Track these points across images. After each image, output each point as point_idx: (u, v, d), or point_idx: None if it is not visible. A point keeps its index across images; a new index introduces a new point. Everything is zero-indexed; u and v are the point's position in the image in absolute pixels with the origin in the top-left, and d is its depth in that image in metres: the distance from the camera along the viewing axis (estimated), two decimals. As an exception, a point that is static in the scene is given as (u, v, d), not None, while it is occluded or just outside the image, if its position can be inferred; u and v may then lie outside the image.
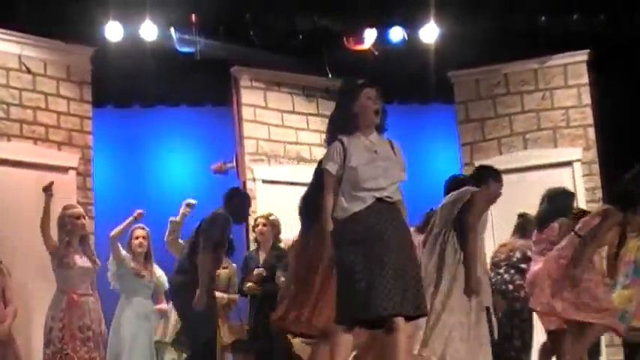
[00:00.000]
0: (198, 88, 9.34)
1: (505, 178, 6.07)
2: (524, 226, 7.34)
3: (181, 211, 7.50)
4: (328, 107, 8.86)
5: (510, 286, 7.11)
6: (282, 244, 7.30)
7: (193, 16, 8.45)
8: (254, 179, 8.75)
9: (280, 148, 9.09)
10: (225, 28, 8.66)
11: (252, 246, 7.67)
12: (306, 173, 8.80)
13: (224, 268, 7.27)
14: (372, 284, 4.41)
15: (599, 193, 8.77)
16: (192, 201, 7.53)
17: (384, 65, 8.82)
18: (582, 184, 8.76)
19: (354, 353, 5.64)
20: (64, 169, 8.19)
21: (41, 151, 8.11)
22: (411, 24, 8.94)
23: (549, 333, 6.82)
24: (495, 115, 9.28)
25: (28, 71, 8.15)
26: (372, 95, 4.72)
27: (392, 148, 4.76)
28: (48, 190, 6.81)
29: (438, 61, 8.90)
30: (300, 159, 9.14)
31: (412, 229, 6.57)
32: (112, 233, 7.36)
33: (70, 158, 8.26)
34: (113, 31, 8.30)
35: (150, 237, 7.52)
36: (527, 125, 9.19)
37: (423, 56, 8.88)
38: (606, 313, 6.10)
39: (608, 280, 6.49)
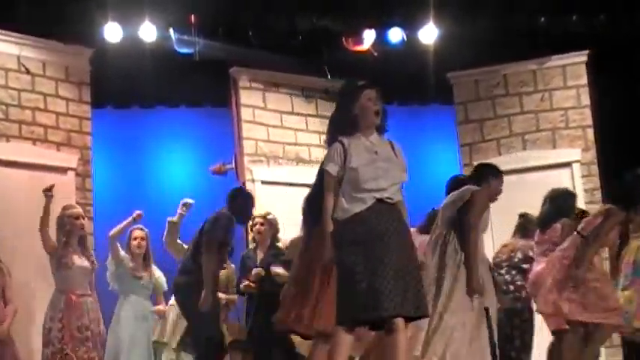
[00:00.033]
0: (197, 88, 9.34)
1: (504, 179, 6.06)
2: (525, 226, 7.35)
3: (178, 211, 7.49)
4: (327, 108, 8.88)
5: (511, 287, 7.11)
6: (280, 244, 7.29)
7: (192, 16, 8.45)
8: (253, 180, 8.74)
9: (279, 148, 9.09)
10: (224, 29, 8.65)
11: (252, 246, 7.66)
12: (305, 174, 8.89)
13: (222, 268, 7.26)
14: (372, 285, 4.41)
15: (598, 194, 8.77)
16: (189, 200, 7.52)
17: (384, 66, 8.82)
18: (581, 185, 8.76)
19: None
20: (62, 170, 8.19)
21: (40, 152, 8.10)
22: (411, 25, 8.94)
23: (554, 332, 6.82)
24: (494, 115, 9.29)
25: (27, 72, 8.14)
26: (373, 96, 4.72)
27: (392, 149, 4.76)
28: (48, 191, 6.81)
29: (437, 61, 8.90)
30: (299, 160, 9.14)
31: (413, 230, 6.61)
32: (111, 233, 7.37)
33: (69, 159, 8.26)
34: (112, 32, 8.30)
35: (149, 238, 7.51)
36: (526, 126, 9.19)
37: (422, 57, 8.88)
38: (613, 312, 6.11)
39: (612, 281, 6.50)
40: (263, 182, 8.80)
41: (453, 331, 5.54)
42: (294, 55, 8.95)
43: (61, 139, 8.27)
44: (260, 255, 7.26)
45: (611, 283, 6.33)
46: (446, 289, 5.61)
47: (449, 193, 5.99)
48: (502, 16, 8.86)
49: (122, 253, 7.39)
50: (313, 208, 5.17)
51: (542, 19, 8.86)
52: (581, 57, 9.03)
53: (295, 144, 9.19)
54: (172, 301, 7.51)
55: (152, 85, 8.92)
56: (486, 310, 5.68)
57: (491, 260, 6.84)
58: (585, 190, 8.78)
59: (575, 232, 6.34)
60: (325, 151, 4.94)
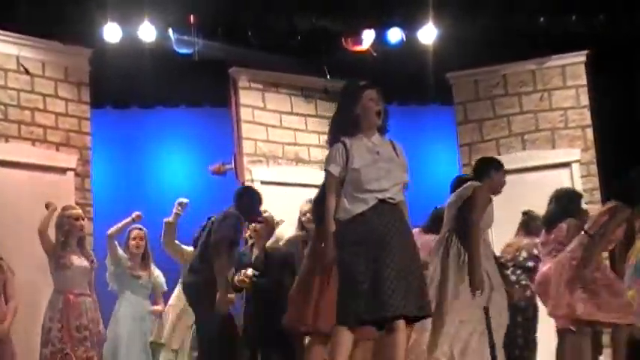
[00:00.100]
0: (196, 89, 9.33)
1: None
2: (528, 223, 7.36)
3: (174, 211, 7.45)
4: (327, 108, 8.89)
5: (516, 287, 7.10)
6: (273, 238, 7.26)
7: (192, 17, 8.43)
8: (252, 180, 8.73)
9: (279, 149, 9.08)
10: (224, 29, 8.64)
11: (250, 243, 7.64)
12: (304, 174, 8.92)
13: (233, 267, 7.24)
14: (374, 285, 4.42)
15: (597, 194, 8.77)
16: (184, 200, 7.49)
17: (383, 66, 8.81)
18: (580, 185, 8.75)
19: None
20: (62, 170, 8.19)
21: (39, 152, 8.09)
22: (410, 25, 8.93)
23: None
24: (494, 115, 9.29)
25: (26, 72, 8.13)
26: (374, 96, 4.73)
27: (394, 148, 4.77)
28: (50, 205, 6.84)
29: (437, 62, 8.89)
30: (298, 160, 9.14)
31: (417, 230, 6.63)
32: (109, 232, 7.38)
33: (68, 159, 8.25)
34: (111, 32, 8.28)
35: (147, 237, 7.53)
36: (525, 126, 9.19)
37: (422, 57, 8.87)
38: (627, 311, 6.10)
39: None
40: (262, 182, 8.78)
41: (458, 330, 5.55)
42: (294, 56, 8.94)
43: (60, 140, 8.26)
44: (256, 253, 7.24)
45: (621, 281, 6.31)
46: (450, 289, 5.61)
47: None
48: (501, 16, 8.85)
49: (120, 252, 7.40)
50: (319, 209, 5.19)
51: (542, 19, 8.85)
52: (581, 57, 9.03)
53: (295, 144, 9.19)
54: (171, 301, 7.51)
55: (151, 86, 8.92)
56: (486, 310, 5.68)
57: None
58: (584, 190, 8.76)
59: (583, 232, 6.32)
60: (325, 152, 4.94)
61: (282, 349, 6.55)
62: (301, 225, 6.97)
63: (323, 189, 5.30)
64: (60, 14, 8.11)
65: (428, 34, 8.86)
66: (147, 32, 8.34)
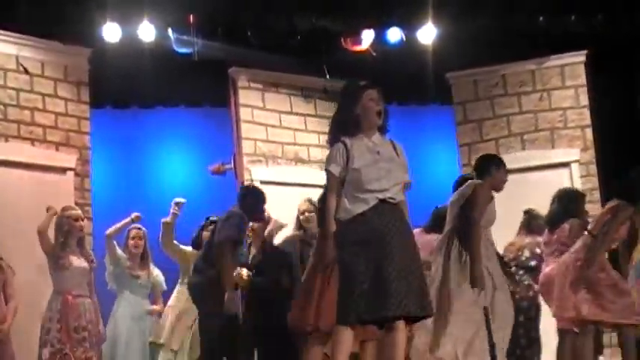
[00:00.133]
0: (196, 88, 9.33)
1: (503, 179, 6.07)
2: (529, 221, 7.36)
3: (171, 211, 7.44)
4: (326, 108, 8.89)
5: (518, 287, 7.09)
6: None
7: (191, 16, 8.43)
8: (252, 180, 8.72)
9: (278, 148, 9.08)
10: (223, 29, 8.64)
11: (249, 241, 7.64)
12: (303, 174, 8.91)
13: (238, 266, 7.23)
14: (375, 285, 4.43)
15: (596, 194, 8.77)
16: (181, 200, 7.48)
17: (383, 66, 8.81)
18: (580, 185, 8.74)
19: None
20: (61, 170, 8.19)
21: (39, 152, 8.09)
22: (409, 25, 8.92)
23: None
24: (493, 115, 9.29)
25: (26, 72, 8.13)
26: (375, 96, 4.74)
27: (394, 149, 4.77)
28: (51, 209, 6.84)
29: (436, 62, 8.89)
30: (298, 160, 9.14)
31: (419, 230, 6.63)
32: (108, 232, 7.38)
33: (67, 159, 8.25)
34: (111, 32, 8.28)
35: (146, 237, 7.53)
36: (525, 126, 9.19)
37: (421, 57, 8.87)
38: (632, 311, 6.09)
39: None
40: (262, 182, 8.77)
41: (461, 330, 5.55)
42: (293, 55, 8.94)
43: (59, 139, 8.26)
44: (253, 252, 7.24)
45: (625, 281, 6.30)
46: (452, 289, 5.62)
47: None
48: (501, 16, 8.85)
49: (119, 252, 7.41)
50: (323, 208, 5.20)
51: (542, 19, 8.86)
52: (580, 57, 9.03)
53: (294, 144, 9.19)
54: (171, 302, 7.50)
55: (151, 85, 8.91)
56: (485, 309, 5.68)
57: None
58: (584, 190, 8.77)
59: (586, 233, 6.31)
60: (325, 151, 4.95)
61: (279, 347, 6.56)
62: (299, 224, 6.97)
63: (325, 189, 5.32)
64: (59, 14, 8.10)
65: (427, 34, 8.86)
66: (146, 32, 8.33)
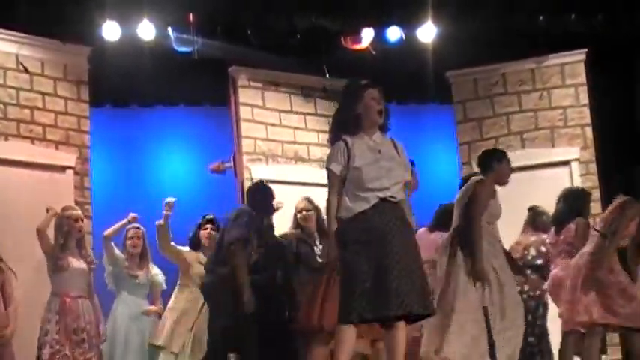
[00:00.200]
0: (195, 87, 9.32)
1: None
2: (534, 219, 7.35)
3: (164, 212, 7.39)
4: (326, 107, 8.90)
5: (526, 287, 7.09)
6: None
7: (191, 15, 8.42)
8: (251, 179, 8.71)
9: (278, 147, 9.08)
10: (223, 28, 8.63)
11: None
12: (303, 173, 8.91)
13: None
14: (377, 284, 4.44)
15: (596, 193, 8.75)
16: (171, 199, 7.42)
17: (382, 65, 8.80)
18: (580, 184, 8.74)
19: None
20: (61, 169, 8.18)
21: (39, 151, 8.09)
22: (409, 23, 8.91)
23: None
24: (493, 114, 9.29)
25: (26, 71, 8.13)
26: (376, 95, 4.75)
27: (395, 147, 4.78)
28: (51, 210, 6.84)
29: (436, 60, 8.89)
30: (297, 159, 9.13)
31: (423, 229, 6.63)
32: (105, 233, 7.38)
33: (67, 158, 8.25)
34: (110, 31, 8.27)
35: (145, 237, 7.51)
36: (524, 125, 9.19)
37: (421, 56, 8.87)
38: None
39: None
40: (262, 181, 8.79)
41: (466, 329, 5.55)
42: (293, 54, 8.94)
43: (59, 138, 8.26)
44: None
45: (634, 285, 6.24)
46: (454, 288, 5.62)
47: None
48: (501, 15, 8.84)
49: (117, 252, 7.40)
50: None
51: (541, 18, 8.85)
52: (580, 55, 9.03)
53: (294, 143, 9.19)
54: (170, 304, 7.46)
55: (151, 84, 8.91)
56: (485, 309, 5.68)
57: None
58: (583, 189, 8.79)
59: (598, 233, 6.23)
60: (325, 150, 4.95)
61: (277, 346, 6.56)
62: (296, 222, 6.96)
63: None
64: (59, 13, 8.09)
65: (427, 32, 8.85)
66: (146, 31, 8.32)
